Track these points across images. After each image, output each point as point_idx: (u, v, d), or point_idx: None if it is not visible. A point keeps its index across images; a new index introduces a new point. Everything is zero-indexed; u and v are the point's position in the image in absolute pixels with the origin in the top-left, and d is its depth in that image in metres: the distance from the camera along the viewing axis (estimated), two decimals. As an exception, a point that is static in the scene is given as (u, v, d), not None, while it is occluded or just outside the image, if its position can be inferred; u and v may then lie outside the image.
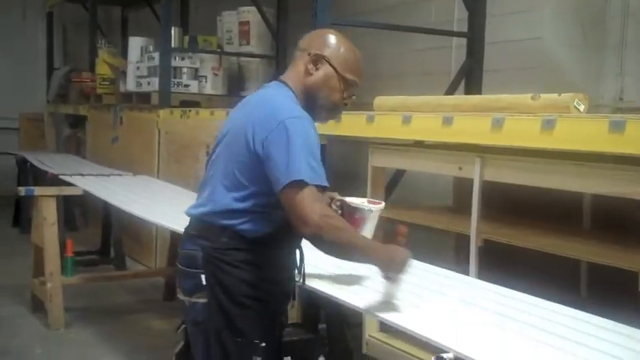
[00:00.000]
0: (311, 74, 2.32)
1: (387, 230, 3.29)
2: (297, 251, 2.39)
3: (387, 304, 2.23)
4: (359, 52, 2.39)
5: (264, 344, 2.23)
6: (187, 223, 2.40)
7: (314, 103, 2.32)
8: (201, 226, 2.30)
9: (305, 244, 2.34)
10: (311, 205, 2.07)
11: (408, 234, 2.44)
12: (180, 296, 2.36)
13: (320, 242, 2.12)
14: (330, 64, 2.31)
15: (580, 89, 3.06)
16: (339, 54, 2.33)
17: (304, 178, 2.08)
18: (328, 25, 4.19)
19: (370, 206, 2.40)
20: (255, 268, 2.25)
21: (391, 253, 2.19)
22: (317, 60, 2.32)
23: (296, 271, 2.41)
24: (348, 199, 2.42)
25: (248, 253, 2.24)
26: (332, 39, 2.36)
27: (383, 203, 2.48)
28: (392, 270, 2.17)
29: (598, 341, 2.00)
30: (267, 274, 2.27)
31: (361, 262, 2.27)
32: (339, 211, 2.41)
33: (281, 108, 2.21)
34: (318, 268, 2.62)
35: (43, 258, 4.79)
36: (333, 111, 2.39)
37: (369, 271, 2.54)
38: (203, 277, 2.26)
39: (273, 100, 2.27)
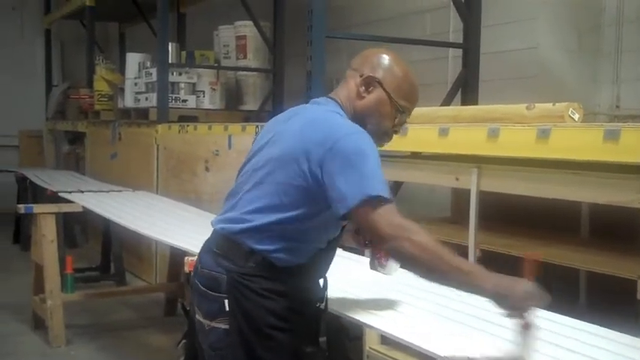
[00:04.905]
0: (362, 97, 2.17)
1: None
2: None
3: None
4: (414, 75, 2.23)
5: None
6: (210, 236, 2.25)
7: (362, 128, 2.11)
8: (228, 245, 2.14)
9: (330, 272, 2.29)
10: (388, 218, 1.91)
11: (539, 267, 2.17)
12: (200, 318, 2.21)
13: (400, 257, 1.98)
14: (384, 89, 2.16)
15: (576, 98, 3.08)
16: (393, 78, 2.17)
17: (380, 193, 1.92)
18: (323, 39, 4.22)
19: None
20: (281, 297, 2.10)
21: (511, 283, 1.85)
22: (370, 83, 2.16)
23: (319, 299, 2.27)
24: None
25: (275, 282, 2.09)
26: (387, 60, 2.19)
27: None
28: (512, 305, 1.82)
29: (597, 351, 2.00)
30: (294, 303, 2.13)
31: (466, 289, 1.96)
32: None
33: (338, 125, 2.06)
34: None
35: (43, 275, 4.78)
36: (381, 138, 2.20)
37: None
38: (226, 302, 2.10)
39: (327, 118, 2.10)
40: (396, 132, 2.24)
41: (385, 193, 1.94)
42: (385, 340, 3.33)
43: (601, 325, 2.21)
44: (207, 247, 2.24)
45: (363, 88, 2.17)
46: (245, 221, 2.11)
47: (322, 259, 2.21)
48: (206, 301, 2.18)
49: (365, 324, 2.33)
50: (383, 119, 2.18)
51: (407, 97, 2.19)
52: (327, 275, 2.30)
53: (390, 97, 2.16)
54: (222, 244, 2.17)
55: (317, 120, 2.11)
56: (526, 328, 1.82)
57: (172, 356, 2.59)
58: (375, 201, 1.92)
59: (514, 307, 1.82)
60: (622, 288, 2.81)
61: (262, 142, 2.21)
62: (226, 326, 2.12)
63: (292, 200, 2.05)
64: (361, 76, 2.18)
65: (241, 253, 2.11)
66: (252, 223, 2.09)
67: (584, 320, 2.27)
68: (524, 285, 1.85)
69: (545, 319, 2.28)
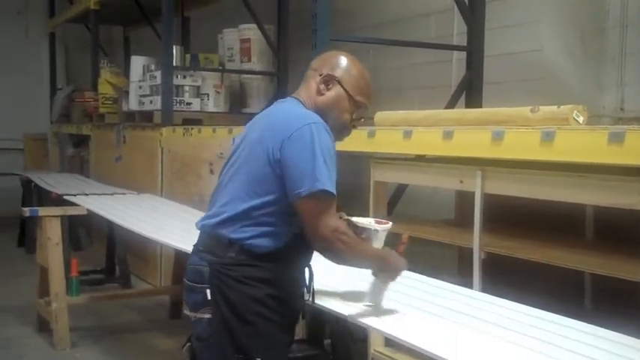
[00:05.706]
0: (322, 94, 2.35)
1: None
2: (307, 269, 2.37)
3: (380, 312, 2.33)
4: (368, 74, 2.42)
5: None
6: (197, 238, 2.38)
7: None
8: (209, 239, 2.28)
9: (314, 261, 2.36)
10: (326, 218, 2.15)
11: (407, 243, 2.47)
12: (186, 311, 2.35)
13: (327, 254, 2.23)
14: (342, 86, 2.34)
15: (580, 100, 3.08)
16: (350, 76, 2.36)
17: (327, 188, 2.13)
18: (327, 42, 4.23)
19: (376, 226, 2.37)
20: (262, 284, 2.21)
21: (388, 259, 2.32)
22: (329, 80, 2.34)
23: (305, 290, 2.37)
24: (355, 219, 2.37)
25: (256, 269, 2.21)
26: (344, 61, 2.38)
27: (390, 224, 2.42)
28: (384, 274, 2.33)
29: (602, 353, 2.00)
30: (275, 291, 2.23)
31: (362, 267, 2.38)
32: None
33: (301, 115, 2.25)
34: (326, 286, 2.59)
35: (48, 278, 4.79)
36: (341, 132, 2.39)
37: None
38: (208, 291, 2.23)
39: (291, 110, 2.31)
40: (354, 127, 2.44)
41: (329, 187, 2.13)
42: (389, 342, 3.33)
43: (606, 328, 2.21)
44: (194, 248, 2.37)
45: (323, 85, 2.35)
46: (220, 214, 2.27)
47: (301, 244, 2.27)
48: (192, 294, 2.30)
49: (373, 329, 2.35)
50: (342, 113, 2.36)
51: (363, 92, 2.38)
52: (312, 269, 2.38)
53: (348, 93, 2.35)
54: (205, 240, 2.32)
55: (281, 112, 2.34)
56: (384, 284, 2.36)
57: (177, 359, 2.60)
58: (320, 194, 2.12)
59: (389, 275, 2.33)
60: (627, 290, 2.80)
61: (237, 144, 2.38)
62: (209, 315, 2.24)
63: (263, 187, 2.21)
64: (321, 75, 2.36)
65: (221, 245, 2.24)
66: (226, 214, 2.25)
67: (589, 323, 2.28)
68: (396, 258, 2.33)
69: (550, 322, 2.29)
